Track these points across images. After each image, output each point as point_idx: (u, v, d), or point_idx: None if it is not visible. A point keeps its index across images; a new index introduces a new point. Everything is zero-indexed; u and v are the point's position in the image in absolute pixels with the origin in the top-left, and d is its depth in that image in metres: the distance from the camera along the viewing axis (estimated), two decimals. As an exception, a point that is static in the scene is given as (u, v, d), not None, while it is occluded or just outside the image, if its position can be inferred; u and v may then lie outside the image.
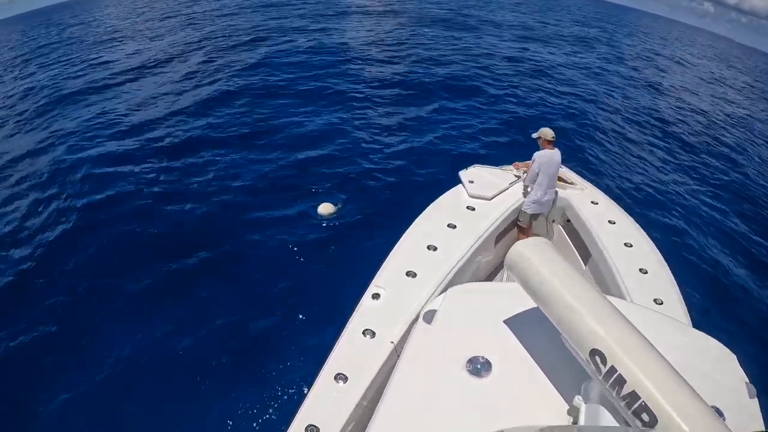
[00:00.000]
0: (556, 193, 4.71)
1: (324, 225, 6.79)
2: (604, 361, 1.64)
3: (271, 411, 4.14)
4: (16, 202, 8.18)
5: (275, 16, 25.57)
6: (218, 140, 10.05)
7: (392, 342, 2.73)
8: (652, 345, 1.68)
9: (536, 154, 4.58)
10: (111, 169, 8.80)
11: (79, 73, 16.96)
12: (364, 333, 2.80)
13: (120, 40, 23.77)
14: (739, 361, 2.33)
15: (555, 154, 4.59)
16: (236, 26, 23.21)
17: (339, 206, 7.12)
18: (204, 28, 23.68)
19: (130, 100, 13.17)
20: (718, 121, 16.97)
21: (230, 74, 14.71)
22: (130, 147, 9.80)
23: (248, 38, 19.83)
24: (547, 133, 4.62)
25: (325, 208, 6.93)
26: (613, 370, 1.61)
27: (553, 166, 4.53)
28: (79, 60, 19.68)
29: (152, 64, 17.11)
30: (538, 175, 4.51)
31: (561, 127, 12.23)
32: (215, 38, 20.80)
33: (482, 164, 5.10)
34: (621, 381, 1.58)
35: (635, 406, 1.53)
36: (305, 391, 2.57)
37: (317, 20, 24.40)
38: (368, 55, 17.53)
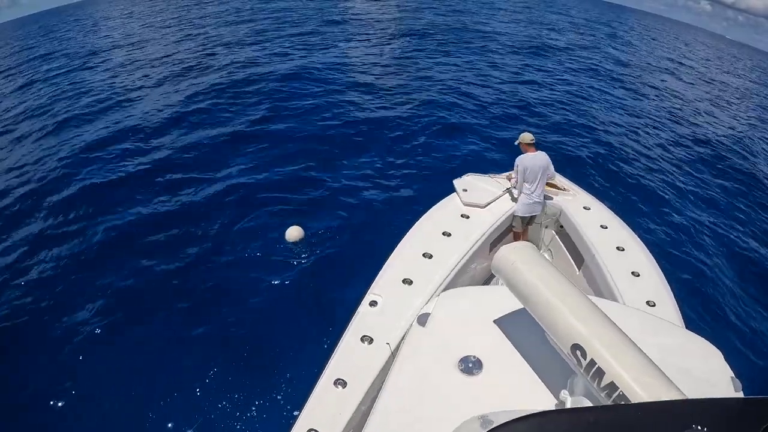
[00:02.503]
0: (545, 196, 4.79)
1: (295, 249, 6.45)
2: (584, 354, 1.75)
3: (272, 416, 4.20)
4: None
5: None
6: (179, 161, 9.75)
7: (388, 343, 2.82)
8: (629, 338, 1.77)
9: (518, 159, 4.71)
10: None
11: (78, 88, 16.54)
12: (362, 339, 2.90)
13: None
14: (725, 359, 2.41)
15: (537, 155, 4.67)
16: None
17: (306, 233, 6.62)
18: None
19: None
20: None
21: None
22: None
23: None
24: (525, 137, 4.78)
25: (295, 232, 6.46)
26: (593, 363, 1.71)
27: (535, 167, 4.61)
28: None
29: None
30: (525, 178, 4.64)
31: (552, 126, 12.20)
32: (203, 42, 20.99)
33: (475, 173, 5.22)
34: (600, 373, 1.68)
35: (615, 395, 1.62)
36: (306, 397, 2.64)
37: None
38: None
